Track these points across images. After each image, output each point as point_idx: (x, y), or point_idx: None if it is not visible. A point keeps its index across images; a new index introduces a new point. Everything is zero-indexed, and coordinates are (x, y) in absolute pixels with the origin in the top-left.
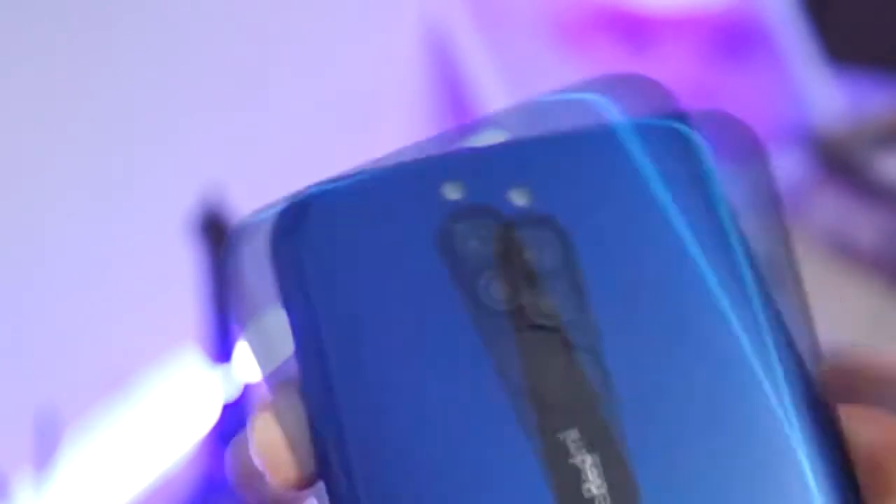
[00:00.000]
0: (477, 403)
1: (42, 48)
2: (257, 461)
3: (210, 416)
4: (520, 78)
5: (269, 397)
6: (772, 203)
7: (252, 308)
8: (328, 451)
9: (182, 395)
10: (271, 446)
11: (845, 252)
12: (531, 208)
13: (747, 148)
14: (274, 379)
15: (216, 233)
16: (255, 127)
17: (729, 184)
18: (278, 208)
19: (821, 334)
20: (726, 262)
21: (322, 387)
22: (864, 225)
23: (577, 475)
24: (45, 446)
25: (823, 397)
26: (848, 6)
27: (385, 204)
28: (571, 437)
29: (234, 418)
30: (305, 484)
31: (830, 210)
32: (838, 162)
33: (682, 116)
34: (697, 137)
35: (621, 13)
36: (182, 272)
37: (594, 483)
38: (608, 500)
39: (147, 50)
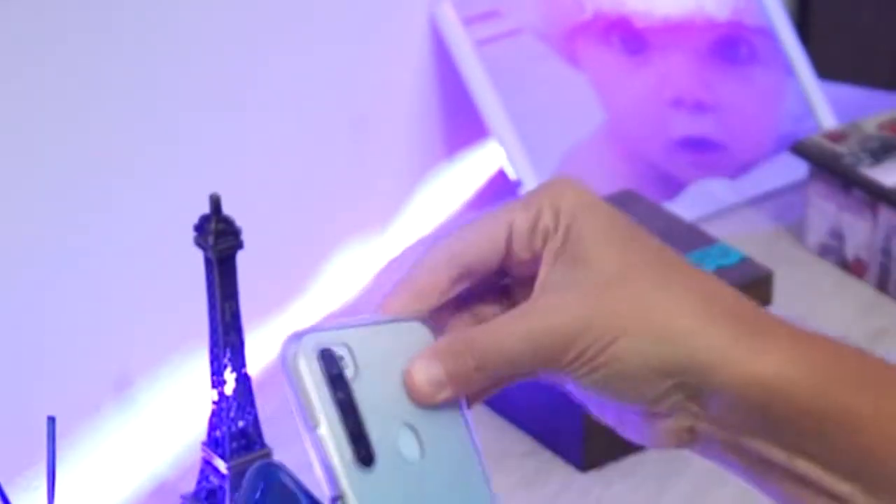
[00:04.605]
0: None
1: (44, 51)
2: None
3: (209, 418)
4: (519, 86)
5: None
6: None
7: None
8: None
9: (183, 398)
10: None
11: (837, 258)
12: None
13: None
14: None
15: (218, 236)
16: (257, 131)
17: None
18: None
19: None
20: None
21: None
22: (855, 231)
23: None
24: (46, 451)
25: None
26: (830, 26)
27: None
28: None
29: (232, 419)
30: None
31: (822, 217)
32: (830, 170)
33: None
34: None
35: (619, 21)
36: (184, 276)
37: None
38: None
39: (149, 54)
